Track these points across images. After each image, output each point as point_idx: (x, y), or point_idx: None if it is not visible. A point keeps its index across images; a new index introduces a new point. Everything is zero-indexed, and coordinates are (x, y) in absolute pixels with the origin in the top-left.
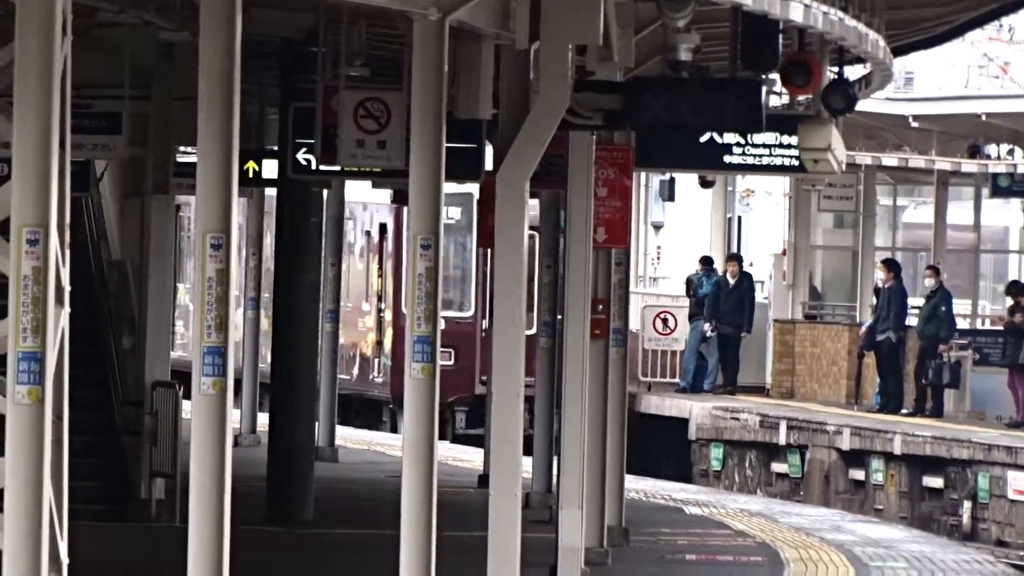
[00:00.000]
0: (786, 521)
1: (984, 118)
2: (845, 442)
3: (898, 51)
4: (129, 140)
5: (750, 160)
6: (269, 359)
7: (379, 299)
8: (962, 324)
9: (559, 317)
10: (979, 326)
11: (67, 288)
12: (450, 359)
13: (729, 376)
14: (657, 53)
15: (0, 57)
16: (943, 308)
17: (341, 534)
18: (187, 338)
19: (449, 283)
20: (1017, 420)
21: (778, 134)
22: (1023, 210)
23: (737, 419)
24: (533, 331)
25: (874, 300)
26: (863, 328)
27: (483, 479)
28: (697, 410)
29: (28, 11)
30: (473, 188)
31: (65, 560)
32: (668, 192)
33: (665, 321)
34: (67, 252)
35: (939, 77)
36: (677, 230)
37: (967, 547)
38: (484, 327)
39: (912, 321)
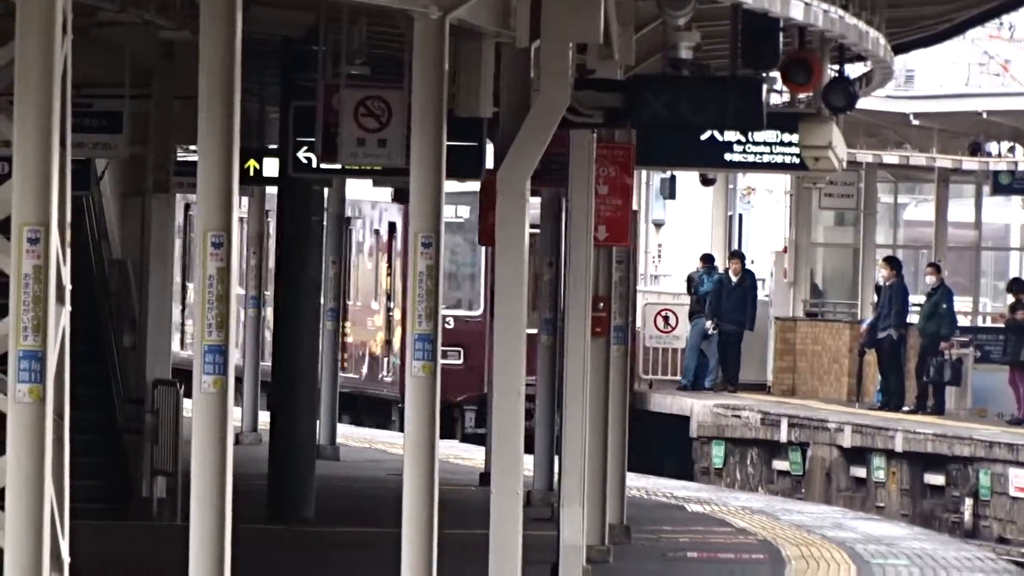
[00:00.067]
0: (787, 519)
1: (985, 116)
2: (846, 439)
3: (899, 49)
4: (129, 139)
5: (751, 158)
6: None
7: (388, 298)
8: (963, 321)
9: (559, 315)
10: (980, 323)
11: (68, 287)
12: (460, 358)
13: (729, 374)
14: (658, 51)
15: (1, 56)
16: (944, 306)
17: (342, 532)
18: None
19: (458, 282)
20: (1018, 417)
21: (779, 132)
22: None
23: (738, 417)
24: (536, 330)
25: (875, 298)
26: (864, 325)
27: (484, 477)
28: (698, 408)
29: (28, 10)
30: None
31: (66, 559)
32: (669, 190)
33: (666, 319)
34: (68, 251)
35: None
36: (678, 228)
37: (969, 544)
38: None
39: (913, 319)
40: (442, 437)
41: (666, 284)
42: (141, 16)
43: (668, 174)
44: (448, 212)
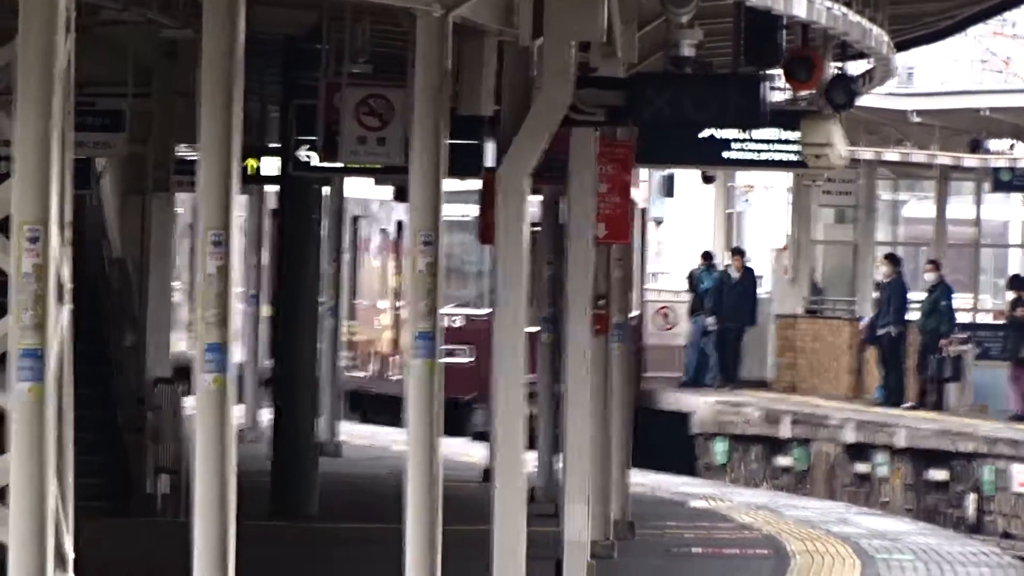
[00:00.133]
0: (791, 514)
1: (985, 113)
2: (849, 436)
3: (900, 46)
4: (130, 137)
5: (750, 155)
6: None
7: (396, 296)
8: (963, 318)
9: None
10: (980, 320)
11: (68, 285)
12: (468, 356)
13: (728, 371)
14: (660, 49)
15: (2, 55)
16: (944, 302)
17: (345, 528)
18: None
19: (467, 280)
20: (1019, 414)
21: (779, 129)
22: None
23: (740, 413)
24: (537, 328)
25: (875, 295)
26: (864, 322)
27: (487, 473)
28: (699, 405)
29: (31, 8)
30: None
31: (71, 555)
32: (667, 188)
33: (666, 316)
34: (68, 249)
35: (941, 72)
36: (678, 225)
37: (973, 539)
38: None
39: (913, 316)
40: (452, 435)
41: (666, 282)
42: (143, 15)
43: (667, 172)
44: (457, 211)
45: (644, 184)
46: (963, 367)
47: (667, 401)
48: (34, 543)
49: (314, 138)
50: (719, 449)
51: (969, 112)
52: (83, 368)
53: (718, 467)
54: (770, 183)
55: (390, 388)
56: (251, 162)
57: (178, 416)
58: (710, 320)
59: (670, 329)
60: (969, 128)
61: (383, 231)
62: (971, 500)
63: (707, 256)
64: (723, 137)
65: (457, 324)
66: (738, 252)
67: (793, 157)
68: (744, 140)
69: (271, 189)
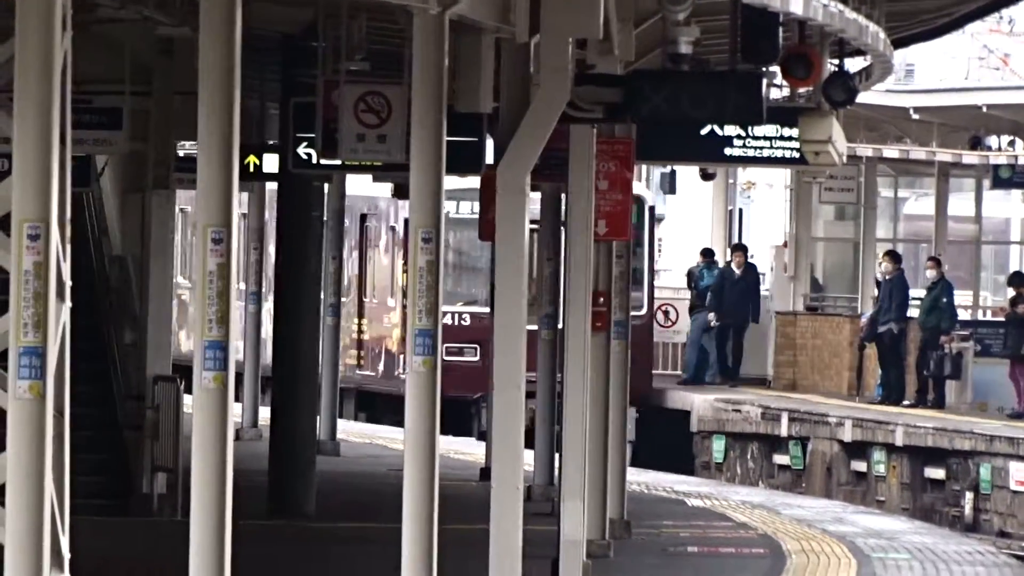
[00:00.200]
0: (788, 513)
1: (985, 110)
2: (847, 434)
3: (898, 43)
4: (129, 135)
5: (751, 152)
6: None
7: (404, 294)
8: (963, 315)
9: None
10: (980, 317)
11: (68, 283)
12: (475, 355)
13: (727, 369)
14: (657, 46)
15: (0, 53)
16: (944, 299)
17: (343, 528)
18: None
19: (474, 278)
20: (1019, 411)
21: (779, 126)
22: None
23: (739, 411)
24: (536, 326)
25: (875, 292)
26: (864, 319)
27: (485, 472)
28: (699, 402)
29: (28, 7)
30: None
31: (67, 555)
32: (669, 185)
33: (666, 313)
34: (68, 247)
35: (940, 69)
36: (678, 222)
37: (969, 538)
38: None
39: (913, 313)
40: (458, 434)
41: (666, 279)
42: (141, 12)
43: (668, 169)
44: (462, 208)
45: (643, 182)
46: (963, 364)
47: (669, 399)
48: (31, 542)
49: (313, 135)
50: (717, 447)
51: (968, 109)
52: (83, 365)
53: (716, 465)
54: (771, 180)
55: (400, 387)
56: (252, 159)
57: (178, 414)
58: (711, 317)
59: (670, 327)
60: (968, 125)
61: (391, 228)
62: (968, 499)
63: (707, 253)
64: (724, 134)
65: (464, 323)
66: (740, 248)
67: (794, 154)
68: (745, 137)
69: (272, 186)
